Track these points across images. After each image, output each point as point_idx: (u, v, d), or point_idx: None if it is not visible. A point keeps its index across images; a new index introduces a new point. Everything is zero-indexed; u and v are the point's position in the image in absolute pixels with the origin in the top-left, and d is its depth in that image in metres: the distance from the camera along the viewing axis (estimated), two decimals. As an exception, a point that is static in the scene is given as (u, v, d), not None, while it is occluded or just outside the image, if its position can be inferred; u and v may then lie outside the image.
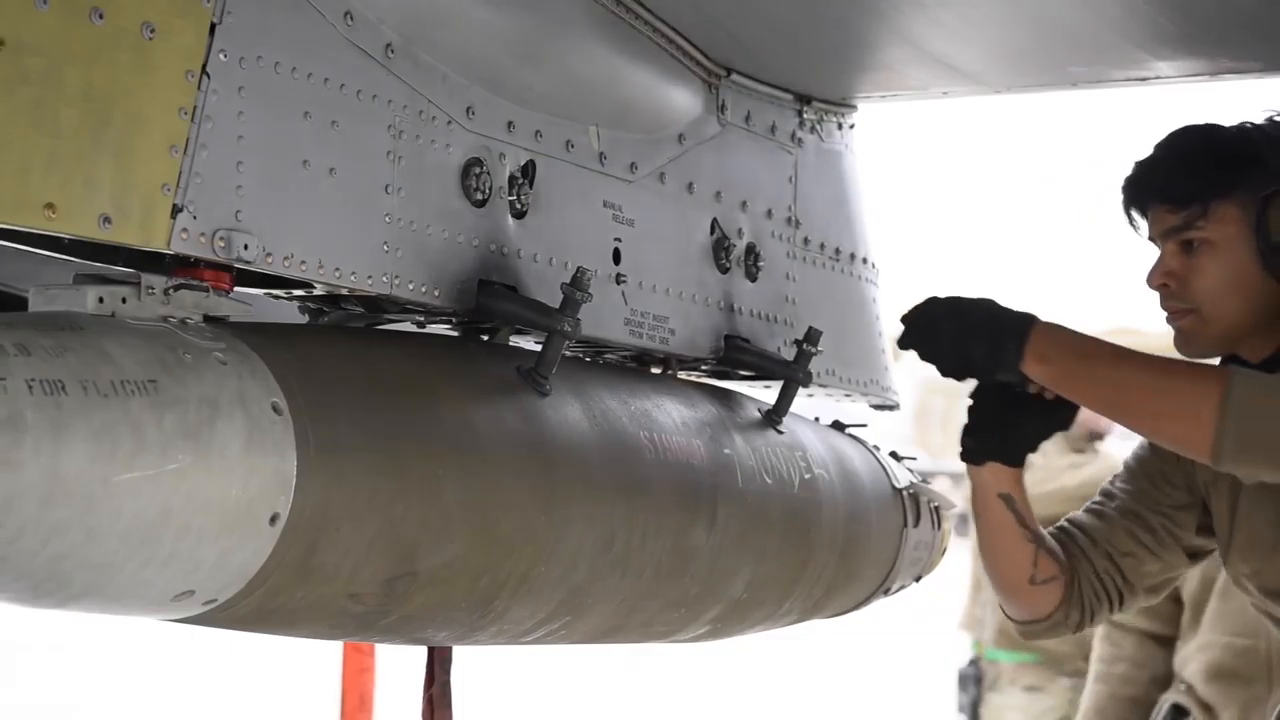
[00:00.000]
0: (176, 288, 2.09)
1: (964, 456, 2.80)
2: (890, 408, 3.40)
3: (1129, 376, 2.59)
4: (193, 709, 11.23)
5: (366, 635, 2.39)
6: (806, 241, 3.16)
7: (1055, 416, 2.75)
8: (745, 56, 2.98)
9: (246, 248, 2.12)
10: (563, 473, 2.46)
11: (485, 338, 2.60)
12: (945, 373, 2.70)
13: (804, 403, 3.11)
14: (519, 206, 2.54)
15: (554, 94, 2.62)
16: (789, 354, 3.04)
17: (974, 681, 9.62)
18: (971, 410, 2.79)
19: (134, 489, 1.90)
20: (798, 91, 3.14)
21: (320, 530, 2.11)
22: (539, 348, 2.51)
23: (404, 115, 2.36)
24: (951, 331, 2.66)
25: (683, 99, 2.90)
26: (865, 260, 3.33)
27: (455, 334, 2.63)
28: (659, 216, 2.84)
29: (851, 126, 3.31)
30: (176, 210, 2.04)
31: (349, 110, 2.27)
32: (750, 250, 3.04)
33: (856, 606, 3.33)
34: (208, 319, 2.12)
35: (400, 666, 4.88)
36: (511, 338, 2.63)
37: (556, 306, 2.46)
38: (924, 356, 2.70)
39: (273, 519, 2.05)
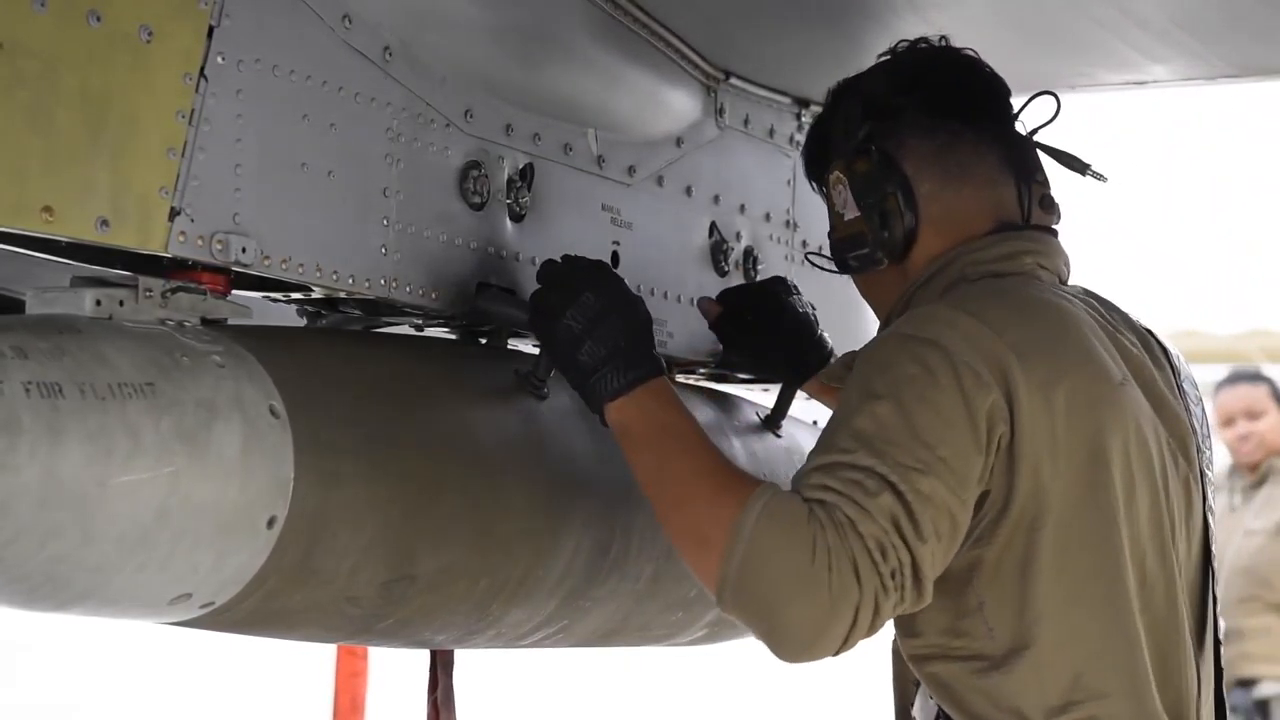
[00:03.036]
0: (174, 290, 2.09)
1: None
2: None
3: (673, 467, 2.22)
4: (187, 711, 11.23)
5: (364, 638, 2.39)
6: (805, 245, 3.16)
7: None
8: (744, 60, 2.98)
9: (244, 250, 2.12)
10: (560, 476, 2.46)
11: (483, 341, 2.60)
12: (543, 339, 2.38)
13: (802, 406, 3.11)
14: (517, 209, 2.54)
15: (552, 97, 2.62)
16: (787, 357, 3.03)
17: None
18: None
19: (131, 492, 1.90)
20: (796, 95, 3.14)
21: (318, 533, 2.11)
22: (537, 351, 2.51)
23: (402, 118, 2.36)
24: (597, 311, 2.29)
25: (681, 102, 2.90)
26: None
27: (453, 337, 2.63)
28: (657, 219, 2.84)
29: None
30: (174, 213, 2.04)
31: (347, 113, 2.27)
32: (748, 253, 3.04)
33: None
34: (205, 322, 2.12)
35: (393, 670, 4.88)
36: (510, 341, 2.63)
37: None
38: (544, 310, 2.33)
39: (270, 522, 2.05)
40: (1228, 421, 6.81)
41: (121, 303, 2.04)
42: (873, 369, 2.17)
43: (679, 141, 2.90)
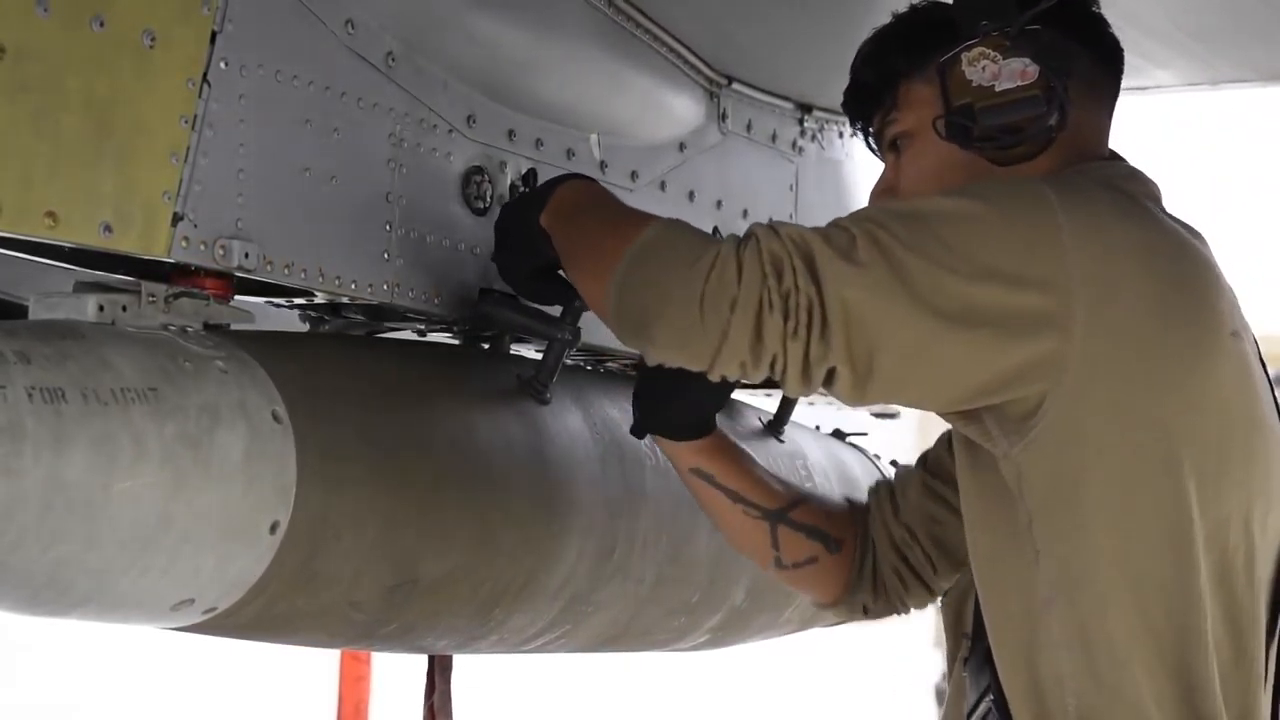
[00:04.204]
0: (177, 296, 2.09)
1: (633, 431, 2.47)
2: (891, 416, 3.40)
3: (588, 224, 2.20)
4: (189, 716, 11.23)
5: (367, 643, 2.39)
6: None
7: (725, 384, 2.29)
8: (746, 65, 2.98)
9: (247, 256, 2.12)
10: (563, 480, 2.46)
11: (486, 346, 2.60)
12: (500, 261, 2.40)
13: (805, 411, 3.11)
14: (520, 214, 2.54)
15: (555, 102, 2.62)
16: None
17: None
18: (638, 384, 2.45)
19: (134, 497, 1.90)
20: (799, 100, 3.15)
21: (320, 538, 2.11)
22: (540, 356, 2.51)
23: (405, 123, 2.36)
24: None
25: (684, 107, 2.90)
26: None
27: (456, 342, 2.63)
28: (660, 225, 2.83)
29: (853, 135, 3.30)
30: (177, 218, 2.04)
31: (350, 118, 2.27)
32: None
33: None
34: (208, 327, 2.12)
35: (396, 675, 4.88)
36: (512, 346, 2.63)
37: (557, 315, 2.46)
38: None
39: (273, 527, 2.05)
40: None
41: (124, 308, 2.04)
42: (975, 185, 2.08)
43: (682, 146, 2.90)
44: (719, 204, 2.98)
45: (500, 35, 2.51)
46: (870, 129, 2.32)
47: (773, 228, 1.98)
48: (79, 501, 1.85)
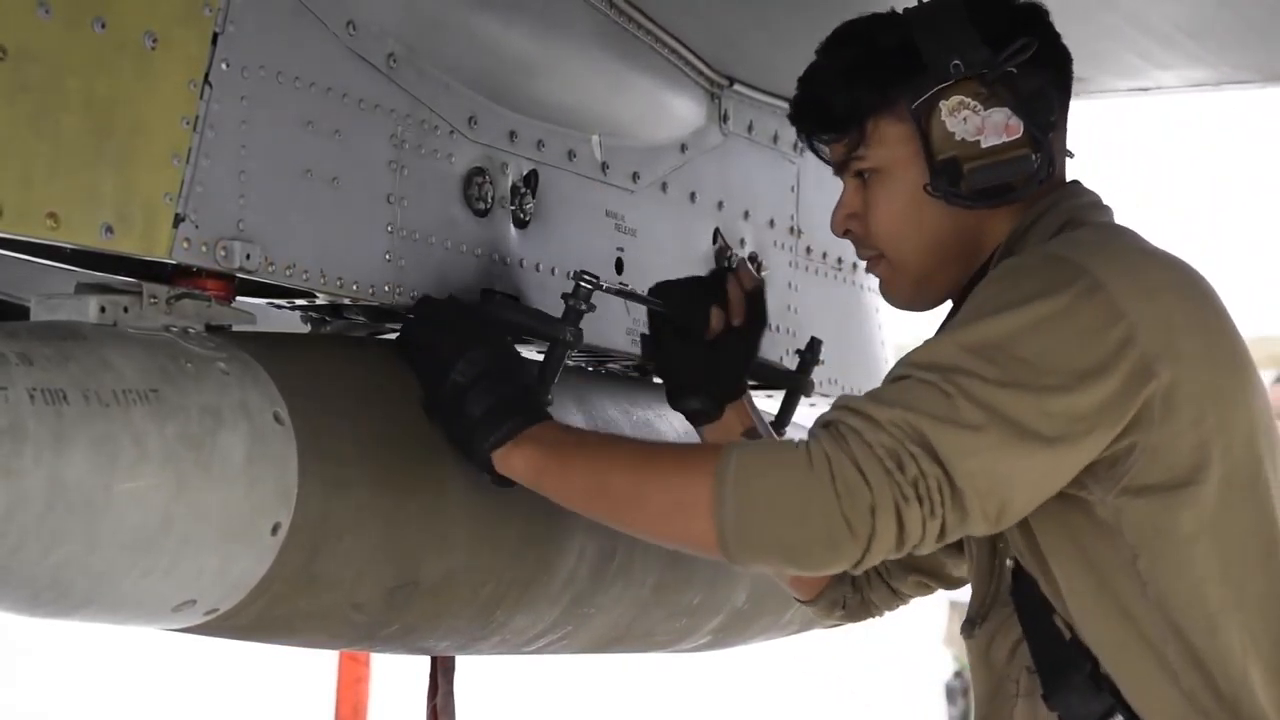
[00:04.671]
0: (178, 297, 2.09)
1: (678, 407, 2.51)
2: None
3: (614, 463, 2.15)
4: (189, 717, 11.23)
5: (368, 645, 2.39)
6: (809, 251, 3.16)
7: (744, 341, 2.48)
8: (748, 66, 2.98)
9: (249, 257, 2.12)
10: (564, 482, 2.46)
11: (487, 347, 2.59)
12: (429, 403, 2.26)
13: (806, 412, 3.11)
14: (521, 216, 2.54)
15: (556, 103, 2.62)
16: (791, 363, 3.04)
17: (961, 694, 9.63)
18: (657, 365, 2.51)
19: (135, 498, 1.90)
20: (800, 101, 3.14)
21: (322, 540, 2.11)
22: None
23: (406, 125, 2.36)
24: (460, 367, 2.24)
25: (685, 108, 2.90)
26: (867, 270, 3.33)
27: (457, 343, 2.62)
28: (661, 226, 2.84)
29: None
30: (178, 219, 2.04)
31: (351, 120, 2.27)
32: (752, 259, 3.04)
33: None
34: (210, 328, 2.12)
35: (395, 676, 4.88)
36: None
37: (558, 316, 2.46)
38: (422, 360, 2.27)
39: (274, 528, 2.05)
40: None
41: (126, 309, 2.04)
42: (1005, 284, 2.08)
43: (683, 148, 2.90)
44: (720, 205, 2.98)
45: (501, 37, 2.51)
46: (823, 141, 2.32)
47: (866, 415, 2.00)
48: (80, 503, 1.85)
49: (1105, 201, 2.27)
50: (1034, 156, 2.17)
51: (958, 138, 2.18)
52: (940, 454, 1.97)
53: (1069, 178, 2.29)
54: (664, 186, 2.86)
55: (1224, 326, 2.12)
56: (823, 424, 2.04)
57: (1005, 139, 2.17)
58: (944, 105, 2.18)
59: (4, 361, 1.82)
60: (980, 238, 2.24)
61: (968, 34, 2.18)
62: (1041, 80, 2.19)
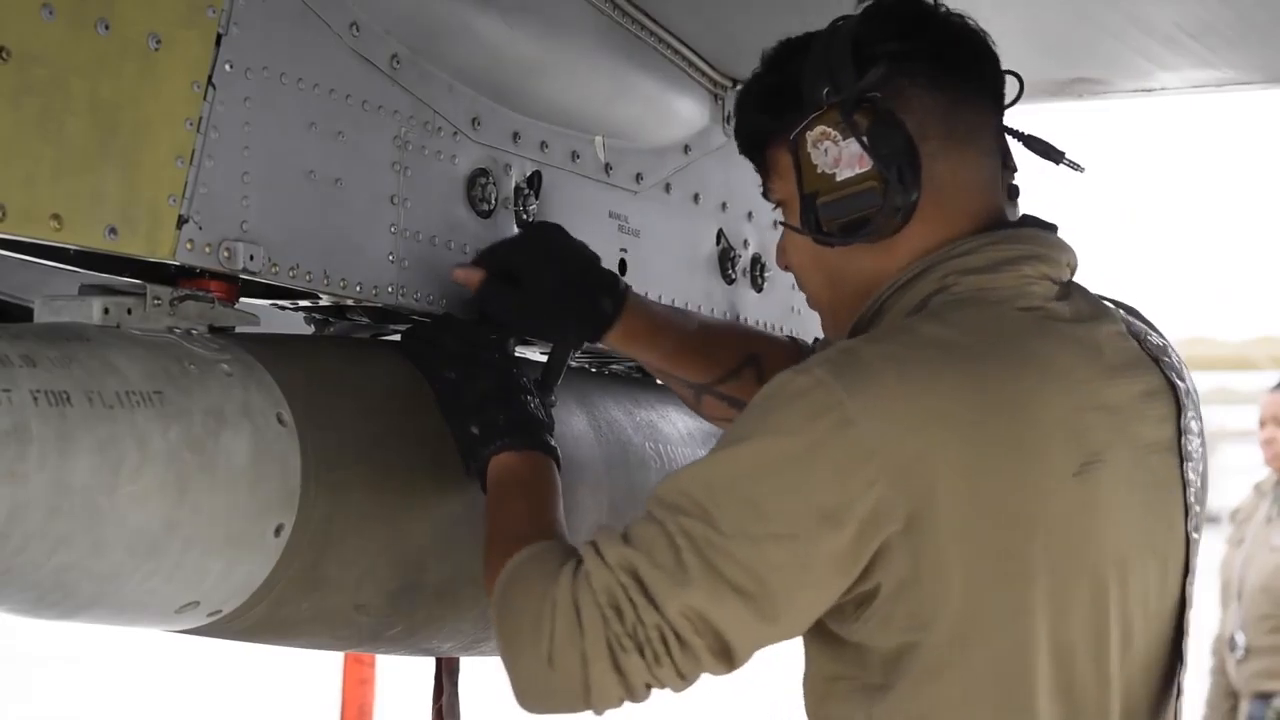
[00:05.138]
0: (182, 299, 2.09)
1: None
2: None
3: (494, 531, 2.18)
4: (195, 720, 11.23)
5: (372, 646, 2.39)
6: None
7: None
8: (751, 67, 2.96)
9: (252, 258, 2.12)
10: (568, 483, 2.45)
11: (491, 349, 2.59)
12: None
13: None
14: (525, 217, 2.54)
15: (560, 105, 2.62)
16: (794, 365, 3.03)
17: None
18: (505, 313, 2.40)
19: (139, 500, 1.90)
20: (803, 102, 3.14)
21: (326, 541, 2.11)
22: (544, 358, 2.50)
23: (410, 126, 2.36)
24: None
25: (689, 109, 2.90)
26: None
27: (461, 345, 2.62)
28: (665, 227, 2.84)
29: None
30: (182, 221, 2.04)
31: (355, 121, 2.27)
32: (756, 261, 3.04)
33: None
34: (213, 330, 2.12)
35: (401, 678, 4.87)
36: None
37: None
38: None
39: (278, 530, 2.05)
40: (1262, 424, 6.84)
41: (129, 311, 2.04)
42: (760, 412, 1.96)
43: (686, 149, 2.90)
44: (724, 206, 2.98)
45: (504, 38, 2.51)
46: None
47: (600, 553, 1.94)
48: (84, 505, 1.85)
49: (1008, 256, 2.05)
50: (880, 190, 2.03)
51: (819, 170, 2.08)
52: (656, 598, 1.90)
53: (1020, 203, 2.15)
54: (667, 187, 2.86)
55: (1016, 456, 1.93)
56: (584, 547, 1.99)
57: (857, 170, 2.05)
58: (809, 136, 2.08)
59: (8, 363, 1.82)
60: (876, 275, 2.09)
61: (845, 55, 2.07)
62: (914, 91, 2.06)
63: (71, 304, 2.03)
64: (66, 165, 1.93)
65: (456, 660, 2.87)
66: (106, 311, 2.02)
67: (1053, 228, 2.14)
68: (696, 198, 2.92)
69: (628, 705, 1.99)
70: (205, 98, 2.06)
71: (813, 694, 2.06)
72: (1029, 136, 2.17)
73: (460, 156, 2.45)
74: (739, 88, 2.21)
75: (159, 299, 2.07)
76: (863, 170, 2.05)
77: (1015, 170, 2.18)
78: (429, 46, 2.38)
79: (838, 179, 2.06)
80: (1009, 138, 2.18)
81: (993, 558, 1.93)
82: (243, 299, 2.19)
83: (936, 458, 1.90)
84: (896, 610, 1.94)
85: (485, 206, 2.48)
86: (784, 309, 3.09)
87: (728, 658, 1.94)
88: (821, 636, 2.02)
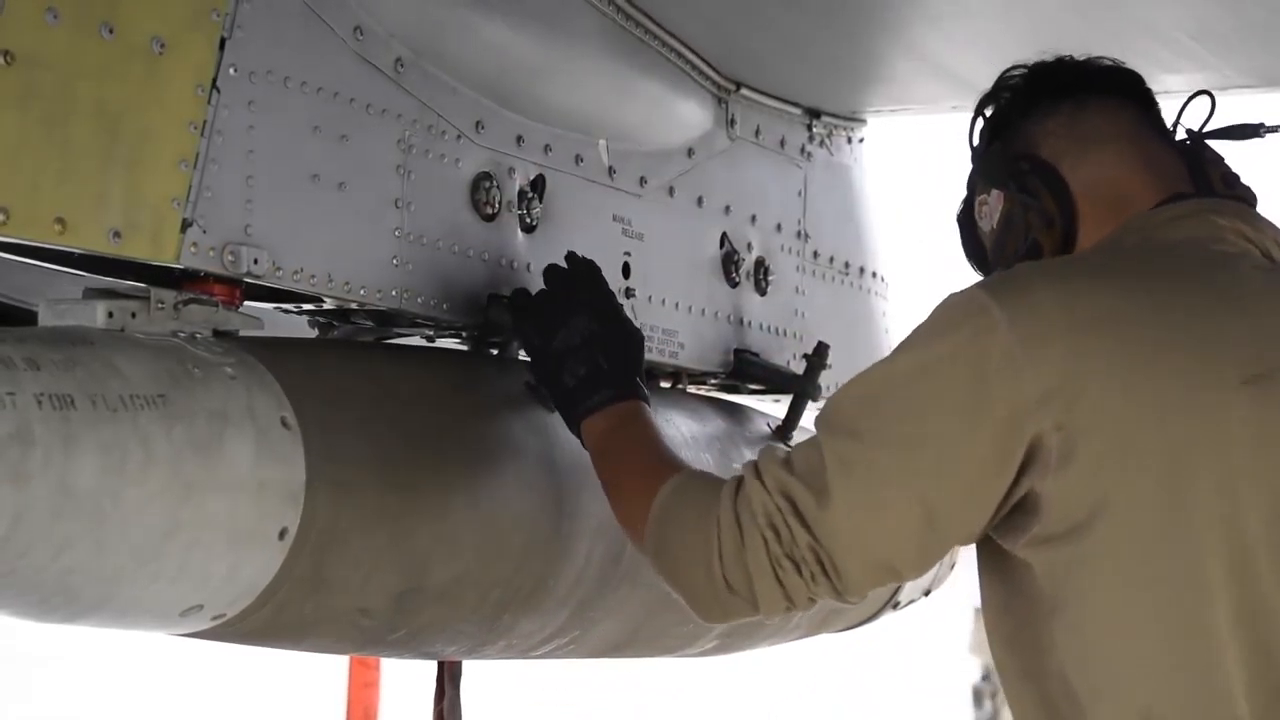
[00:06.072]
0: (186, 302, 2.09)
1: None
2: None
3: (625, 468, 2.26)
4: (200, 723, 11.24)
5: (375, 649, 2.39)
6: (816, 255, 3.16)
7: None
8: (755, 70, 2.98)
9: (256, 262, 2.12)
10: (571, 486, 2.46)
11: (494, 352, 2.60)
12: (539, 372, 2.41)
13: (812, 415, 3.10)
14: (528, 220, 2.55)
15: (563, 108, 2.62)
16: (798, 368, 3.04)
17: (989, 696, 9.60)
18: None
19: (143, 503, 1.90)
20: (807, 106, 3.14)
21: (329, 544, 2.11)
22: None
23: (413, 129, 2.36)
24: (588, 333, 2.36)
25: (692, 113, 2.90)
26: (874, 274, 3.33)
27: (464, 348, 2.63)
28: (668, 230, 2.84)
29: (861, 141, 3.31)
30: (186, 224, 2.04)
31: (359, 124, 2.27)
32: (760, 264, 3.04)
33: (865, 621, 3.32)
34: (217, 333, 2.12)
35: (406, 681, 4.88)
36: (520, 352, 2.62)
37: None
38: (539, 327, 2.39)
39: (282, 533, 2.05)
40: None
41: (133, 314, 2.04)
42: (917, 329, 2.04)
43: (690, 152, 2.90)
44: (727, 209, 2.98)
45: (508, 41, 2.51)
46: None
47: (758, 473, 2.04)
48: (88, 508, 1.85)
49: (1188, 211, 2.11)
50: (1027, 221, 2.18)
51: (991, 226, 2.28)
52: (807, 519, 2.00)
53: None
54: (671, 191, 2.86)
55: (1153, 359, 1.95)
56: (744, 467, 2.07)
57: (1003, 216, 2.24)
58: (977, 202, 2.30)
59: (11, 367, 1.82)
60: None
61: (983, 139, 2.29)
62: (1020, 136, 2.22)
63: (75, 307, 2.03)
64: (70, 168, 1.93)
65: (458, 663, 2.88)
66: (110, 315, 2.03)
67: (1246, 201, 2.18)
68: (700, 201, 2.92)
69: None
70: (209, 101, 2.06)
71: (992, 623, 2.10)
72: (1218, 132, 2.26)
73: (464, 160, 2.45)
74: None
75: (163, 303, 2.07)
76: (1005, 214, 2.22)
77: (1219, 160, 2.23)
78: (432, 50, 2.38)
79: (997, 226, 2.24)
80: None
81: (1154, 457, 1.94)
82: (247, 302, 2.19)
83: (1090, 358, 1.94)
84: (1053, 516, 1.96)
85: (489, 210, 2.48)
86: (788, 312, 3.09)
87: (891, 573, 2.04)
88: (991, 560, 2.06)
